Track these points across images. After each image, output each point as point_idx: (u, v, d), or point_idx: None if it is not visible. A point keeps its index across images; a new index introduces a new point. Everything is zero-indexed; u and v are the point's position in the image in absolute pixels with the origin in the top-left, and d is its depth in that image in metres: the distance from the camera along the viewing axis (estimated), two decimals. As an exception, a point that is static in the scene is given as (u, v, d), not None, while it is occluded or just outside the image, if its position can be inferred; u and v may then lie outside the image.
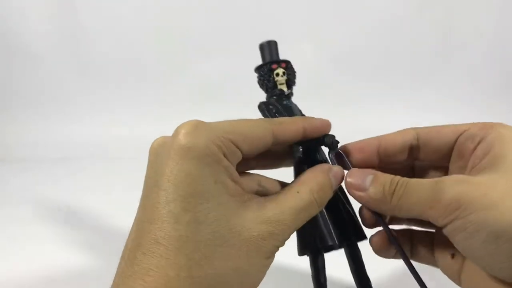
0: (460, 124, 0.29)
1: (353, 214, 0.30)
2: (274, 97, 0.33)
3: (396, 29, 0.84)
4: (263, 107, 0.32)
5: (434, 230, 0.30)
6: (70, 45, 0.86)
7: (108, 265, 0.48)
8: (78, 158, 0.80)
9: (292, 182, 0.28)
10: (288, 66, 0.32)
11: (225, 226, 0.23)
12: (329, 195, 0.27)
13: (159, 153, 0.25)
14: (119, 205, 0.62)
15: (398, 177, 0.26)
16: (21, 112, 0.89)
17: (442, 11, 0.83)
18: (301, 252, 0.29)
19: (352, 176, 0.27)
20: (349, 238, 0.29)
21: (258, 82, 0.33)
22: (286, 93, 0.32)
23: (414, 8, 0.83)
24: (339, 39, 0.85)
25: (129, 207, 0.65)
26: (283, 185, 0.30)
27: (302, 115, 0.33)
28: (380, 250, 0.29)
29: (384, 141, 0.30)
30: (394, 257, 0.30)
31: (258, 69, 0.33)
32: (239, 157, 0.26)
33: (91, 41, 0.86)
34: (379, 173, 0.27)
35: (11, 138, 0.86)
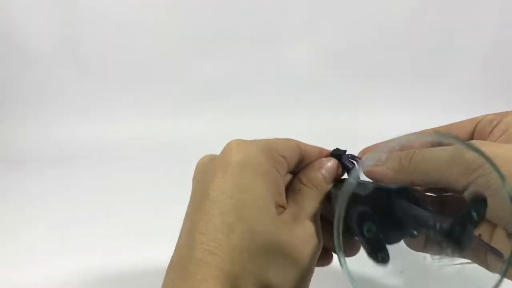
0: (473, 118, 0.30)
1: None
2: None
3: (396, 29, 0.84)
4: None
5: None
6: (70, 45, 0.86)
7: (108, 265, 0.48)
8: (78, 158, 0.80)
9: (292, 182, 0.29)
10: None
11: (277, 239, 0.23)
12: (324, 188, 0.28)
13: (207, 169, 0.25)
14: (119, 205, 0.62)
15: (412, 150, 0.27)
16: (21, 112, 0.89)
17: (442, 11, 0.83)
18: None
19: (366, 159, 0.29)
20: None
21: None
22: None
23: (414, 8, 0.83)
24: (339, 39, 0.85)
25: (129, 207, 0.65)
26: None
27: None
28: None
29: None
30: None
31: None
32: (285, 168, 0.27)
33: (91, 41, 0.86)
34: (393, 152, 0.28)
35: (10, 138, 0.86)
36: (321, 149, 0.31)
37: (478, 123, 0.30)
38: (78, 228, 0.56)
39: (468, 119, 0.31)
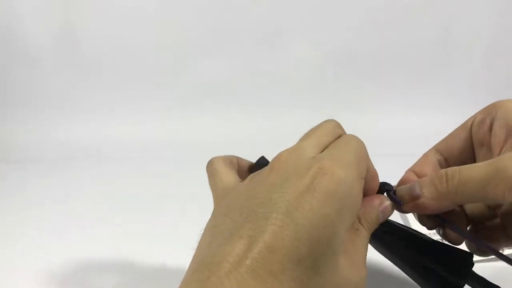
0: (463, 122, 0.30)
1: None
2: None
3: (396, 29, 0.84)
4: None
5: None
6: (70, 46, 0.86)
7: (108, 265, 0.48)
8: (78, 158, 0.80)
9: None
10: None
11: (332, 279, 0.21)
12: (374, 229, 0.27)
13: (291, 177, 0.22)
14: (119, 205, 0.62)
15: (441, 170, 0.27)
16: (21, 113, 0.89)
17: (442, 11, 0.83)
18: None
19: (403, 194, 0.28)
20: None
21: None
22: None
23: (414, 8, 0.83)
24: (339, 39, 0.85)
25: (130, 207, 0.65)
26: None
27: None
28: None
29: (419, 172, 0.31)
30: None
31: None
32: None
33: (92, 42, 0.86)
34: (421, 178, 0.28)
35: (10, 138, 0.86)
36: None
37: (471, 127, 0.30)
38: (78, 228, 0.56)
39: (460, 126, 0.30)
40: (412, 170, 0.31)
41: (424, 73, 0.87)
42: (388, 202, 0.27)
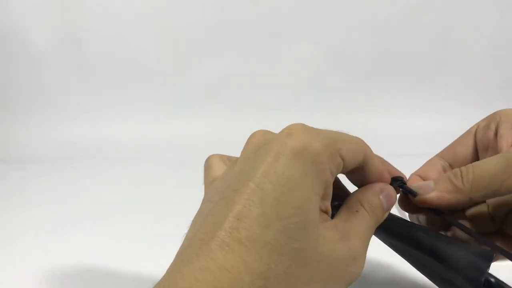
0: (467, 130, 0.30)
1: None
2: None
3: (396, 29, 0.84)
4: None
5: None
6: (71, 46, 0.86)
7: (108, 265, 0.48)
8: (78, 158, 0.80)
9: (347, 200, 0.27)
10: None
11: (312, 246, 0.21)
12: (381, 217, 0.26)
13: (260, 148, 0.23)
14: (119, 205, 0.62)
15: (455, 169, 0.27)
16: (21, 112, 0.89)
17: (442, 11, 0.83)
18: None
19: (416, 188, 0.28)
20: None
21: None
22: None
23: (414, 8, 0.83)
24: (340, 39, 0.85)
25: (130, 207, 0.65)
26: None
27: None
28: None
29: (424, 177, 0.31)
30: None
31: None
32: (339, 171, 0.24)
33: (92, 42, 0.86)
34: (435, 178, 0.28)
35: (10, 138, 0.86)
36: (388, 169, 0.28)
37: (475, 132, 0.30)
38: (78, 228, 0.56)
39: (464, 133, 0.30)
40: (417, 174, 0.31)
41: (425, 73, 0.87)
42: (390, 189, 0.27)
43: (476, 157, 0.30)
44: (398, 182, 0.28)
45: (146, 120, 0.87)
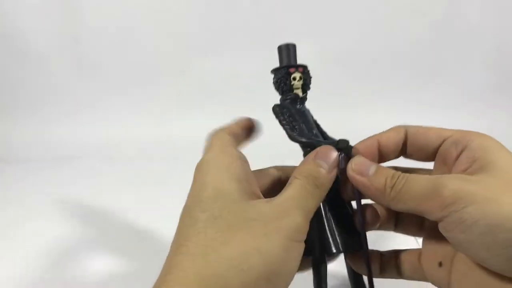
0: (444, 129, 0.30)
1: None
2: (288, 100, 0.33)
3: (395, 29, 0.84)
4: (277, 110, 0.33)
5: (417, 247, 0.32)
6: (71, 45, 0.86)
7: (108, 264, 0.48)
8: (79, 158, 0.80)
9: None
10: (305, 71, 0.33)
11: (241, 216, 0.25)
12: (324, 178, 0.28)
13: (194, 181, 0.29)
14: (119, 205, 0.62)
15: (398, 172, 0.28)
16: (21, 112, 0.89)
17: (443, 11, 0.83)
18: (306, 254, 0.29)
19: (356, 163, 0.29)
20: (352, 247, 0.31)
21: (274, 84, 0.33)
22: (300, 97, 0.33)
23: (414, 8, 0.83)
24: (340, 39, 0.85)
25: (130, 206, 0.65)
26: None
27: (314, 120, 0.34)
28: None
29: (382, 141, 0.32)
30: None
31: (275, 71, 0.33)
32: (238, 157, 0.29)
33: (91, 42, 0.86)
34: (381, 166, 0.29)
35: (11, 139, 0.86)
36: None
37: (444, 140, 0.30)
38: (78, 228, 0.57)
39: (437, 129, 0.31)
40: (377, 138, 0.32)
41: (425, 73, 0.87)
42: (324, 149, 0.29)
43: (433, 157, 0.31)
44: (344, 145, 0.30)
45: (146, 120, 0.87)
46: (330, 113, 0.86)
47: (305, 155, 0.32)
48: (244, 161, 0.29)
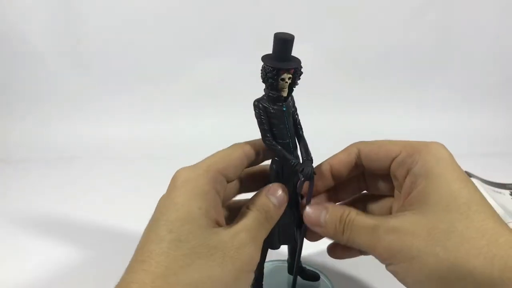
0: (393, 145, 0.32)
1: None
2: (270, 96, 0.33)
3: (395, 29, 0.84)
4: (257, 110, 0.33)
5: None
6: (71, 45, 0.86)
7: (107, 264, 0.48)
8: (78, 158, 0.80)
9: (248, 203, 0.32)
10: (296, 71, 0.32)
11: (203, 243, 0.27)
12: (274, 212, 0.32)
13: (164, 194, 0.30)
14: (119, 205, 0.62)
15: (346, 212, 0.31)
16: (21, 112, 0.89)
17: (442, 11, 0.83)
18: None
19: (308, 216, 0.33)
20: (291, 241, 0.36)
21: (261, 72, 0.33)
22: (283, 98, 0.33)
23: (414, 8, 0.83)
24: (340, 39, 0.85)
25: (130, 207, 0.65)
26: None
27: (295, 119, 0.35)
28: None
29: (334, 164, 0.35)
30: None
31: (265, 61, 0.32)
32: (225, 185, 0.31)
33: (91, 41, 0.86)
34: (330, 208, 0.32)
35: (11, 138, 0.86)
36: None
37: (393, 159, 0.32)
38: (78, 228, 0.57)
39: (387, 147, 0.32)
40: (329, 162, 0.35)
41: (425, 73, 0.87)
42: (276, 188, 0.33)
43: (388, 172, 0.33)
44: (307, 173, 0.32)
45: (146, 120, 0.87)
46: (329, 113, 0.86)
47: (272, 157, 0.35)
48: (219, 190, 0.30)
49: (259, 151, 0.34)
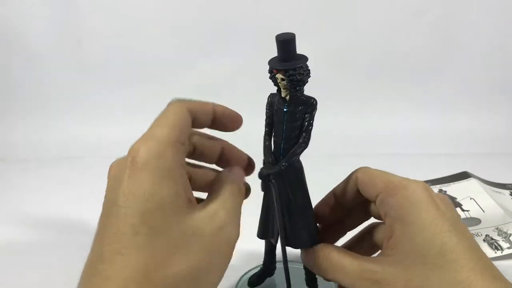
0: (377, 181, 0.32)
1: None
2: (276, 96, 0.34)
3: (395, 29, 0.84)
4: (267, 103, 0.35)
5: None
6: (71, 45, 0.86)
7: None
8: (78, 158, 0.80)
9: (216, 181, 0.31)
10: (288, 73, 0.31)
11: (180, 232, 0.25)
12: (243, 189, 0.32)
13: (117, 174, 0.27)
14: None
15: (329, 254, 0.32)
16: (21, 112, 0.89)
17: (442, 11, 0.83)
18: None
19: (303, 259, 0.36)
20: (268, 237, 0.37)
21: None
22: (284, 97, 0.32)
23: (414, 8, 0.83)
24: (340, 39, 0.85)
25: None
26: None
27: (302, 123, 0.34)
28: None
29: (337, 192, 0.36)
30: None
31: (268, 63, 0.33)
32: (186, 151, 0.29)
33: (92, 41, 0.86)
34: (317, 250, 0.33)
35: (11, 138, 0.86)
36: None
37: (377, 195, 0.31)
38: (78, 228, 0.56)
39: (373, 185, 0.32)
40: (333, 191, 0.36)
41: (425, 74, 0.87)
42: (238, 170, 0.33)
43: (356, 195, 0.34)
44: (261, 177, 0.32)
45: (146, 120, 0.86)
46: (329, 114, 0.85)
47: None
48: (183, 163, 0.28)
49: (204, 112, 0.32)
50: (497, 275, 0.26)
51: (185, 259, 0.25)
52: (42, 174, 0.74)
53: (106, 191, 0.27)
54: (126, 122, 0.86)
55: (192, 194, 0.28)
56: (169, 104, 0.31)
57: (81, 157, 0.80)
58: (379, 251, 0.32)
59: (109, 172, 0.28)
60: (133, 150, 0.27)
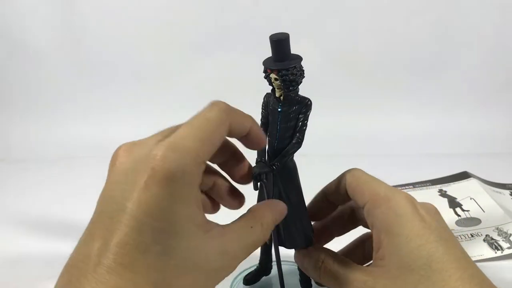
0: (364, 190, 0.32)
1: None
2: (271, 96, 0.34)
3: (395, 29, 0.84)
4: (263, 103, 0.35)
5: None
6: (70, 45, 0.86)
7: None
8: (78, 158, 0.80)
9: (247, 214, 0.30)
10: (281, 74, 0.31)
11: (190, 259, 0.24)
12: (271, 229, 0.30)
13: (128, 173, 0.24)
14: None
15: (321, 258, 0.33)
16: (21, 112, 0.89)
17: (443, 11, 0.83)
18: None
19: (295, 259, 0.36)
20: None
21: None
22: (277, 97, 0.33)
23: (414, 8, 0.83)
24: (340, 39, 0.85)
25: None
26: (233, 190, 0.33)
27: (297, 123, 0.34)
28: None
29: (327, 191, 0.36)
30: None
31: (263, 63, 0.33)
32: (203, 169, 0.26)
33: (92, 42, 0.86)
34: (310, 253, 0.34)
35: (11, 138, 0.86)
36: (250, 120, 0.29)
37: (364, 205, 0.31)
38: (78, 228, 0.56)
39: (360, 193, 0.32)
40: (323, 189, 0.36)
41: (425, 74, 0.87)
42: (282, 207, 0.32)
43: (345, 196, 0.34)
44: (255, 175, 0.32)
45: (146, 120, 0.87)
46: (328, 114, 0.85)
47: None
48: (200, 182, 0.25)
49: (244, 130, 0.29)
50: (484, 283, 0.27)
51: (186, 286, 0.24)
52: (41, 174, 0.74)
53: (109, 184, 0.25)
54: (127, 122, 0.86)
55: (204, 215, 0.26)
56: (212, 109, 0.26)
57: (81, 157, 0.80)
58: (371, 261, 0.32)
59: (115, 159, 0.27)
60: (155, 157, 0.23)
